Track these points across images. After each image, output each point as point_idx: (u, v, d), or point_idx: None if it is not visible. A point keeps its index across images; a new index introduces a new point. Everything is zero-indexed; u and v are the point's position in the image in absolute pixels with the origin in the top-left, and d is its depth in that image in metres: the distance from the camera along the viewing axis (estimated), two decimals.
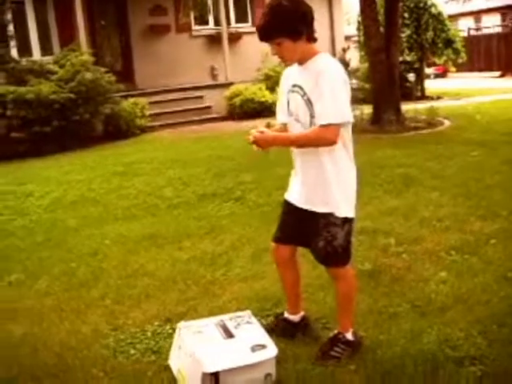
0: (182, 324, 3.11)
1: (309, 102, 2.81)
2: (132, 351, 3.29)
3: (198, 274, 4.33)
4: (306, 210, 2.99)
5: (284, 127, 3.08)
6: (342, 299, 3.11)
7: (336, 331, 3.11)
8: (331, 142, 2.77)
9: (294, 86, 2.90)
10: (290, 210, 3.12)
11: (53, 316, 3.85)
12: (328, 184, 2.88)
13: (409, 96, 14.94)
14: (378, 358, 2.99)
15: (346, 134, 2.88)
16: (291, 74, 2.97)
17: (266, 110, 13.55)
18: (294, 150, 3.01)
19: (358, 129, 10.54)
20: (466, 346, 3.05)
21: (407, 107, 11.84)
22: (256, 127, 2.99)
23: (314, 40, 2.85)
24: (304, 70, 2.86)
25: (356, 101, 13.13)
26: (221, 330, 3.02)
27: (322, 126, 2.73)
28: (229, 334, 2.98)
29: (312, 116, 2.81)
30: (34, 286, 4.40)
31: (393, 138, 9.75)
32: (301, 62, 2.87)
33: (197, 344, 2.89)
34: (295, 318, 3.32)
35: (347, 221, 2.94)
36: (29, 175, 8.81)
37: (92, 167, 9.07)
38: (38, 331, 3.64)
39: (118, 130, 12.22)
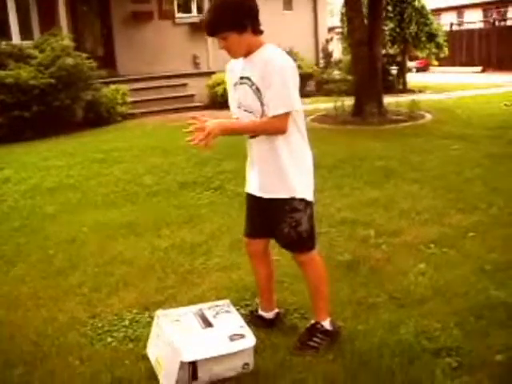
0: (160, 312, 3.09)
1: (257, 91, 2.81)
2: (109, 339, 3.26)
3: (176, 263, 4.30)
4: (267, 199, 2.98)
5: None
6: (313, 286, 3.10)
7: (313, 321, 3.11)
8: (282, 131, 2.81)
9: (242, 78, 2.89)
10: (252, 202, 3.12)
11: (29, 303, 3.80)
12: (285, 169, 2.89)
13: (391, 89, 15.02)
14: (356, 349, 3.00)
15: (299, 119, 2.90)
16: (236, 67, 2.96)
17: None
18: (250, 140, 2.99)
19: (339, 120, 10.69)
20: (442, 337, 3.07)
21: (389, 100, 11.89)
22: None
23: (260, 32, 2.85)
24: (249, 62, 2.86)
25: (338, 92, 13.22)
26: (199, 319, 3.01)
27: (273, 116, 2.75)
28: (207, 323, 2.96)
29: (262, 104, 2.81)
30: (10, 273, 4.35)
31: (374, 130, 9.79)
32: (247, 55, 2.87)
33: (175, 333, 2.87)
34: (269, 315, 3.31)
35: (308, 204, 2.96)
36: (6, 160, 8.68)
37: (71, 154, 8.96)
38: (13, 318, 3.59)
39: (99, 117, 12.09)
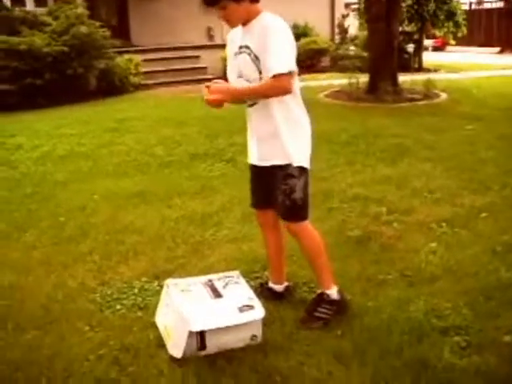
0: (169, 281, 3.10)
1: (256, 59, 2.80)
2: (118, 306, 3.28)
3: (187, 233, 4.30)
4: (265, 168, 2.98)
5: None
6: (311, 256, 3.08)
7: (319, 291, 3.11)
8: (286, 91, 2.76)
9: (241, 47, 2.88)
10: (253, 172, 3.13)
11: (40, 269, 3.82)
12: (280, 135, 2.88)
13: (406, 67, 14.81)
14: (364, 325, 3.00)
15: (295, 85, 2.87)
16: (236, 37, 2.95)
17: None
18: (248, 109, 2.99)
19: (353, 97, 10.59)
20: (452, 316, 3.06)
21: (404, 78, 11.74)
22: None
23: (257, 0, 2.84)
24: (248, 30, 2.85)
25: (353, 69, 13.08)
26: (209, 289, 3.01)
27: (274, 76, 2.70)
28: (217, 294, 2.97)
29: (260, 72, 2.80)
30: (21, 239, 4.37)
31: (388, 107, 9.68)
32: (245, 23, 2.86)
33: (184, 302, 2.88)
34: (279, 287, 3.31)
35: (304, 171, 2.94)
36: (19, 128, 8.68)
37: (84, 122, 8.95)
38: (24, 283, 3.62)
39: (112, 86, 12.05)
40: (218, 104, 2.85)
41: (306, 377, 2.62)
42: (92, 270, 3.78)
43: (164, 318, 2.97)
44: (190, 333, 2.71)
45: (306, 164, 2.95)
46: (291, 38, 2.80)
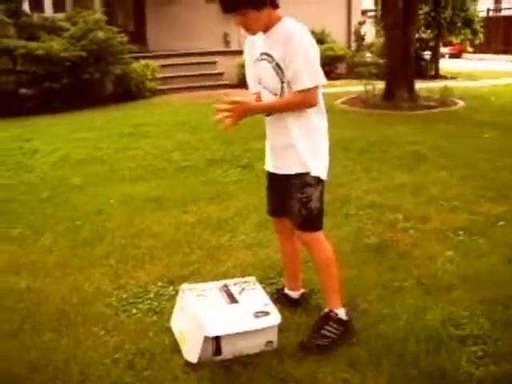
0: (185, 286, 3.10)
1: (278, 68, 2.74)
2: (134, 311, 3.28)
3: (202, 238, 4.31)
4: (281, 176, 2.94)
5: (258, 96, 2.99)
6: (323, 270, 3.01)
7: (326, 309, 3.00)
8: (312, 105, 2.76)
9: (262, 54, 2.81)
10: (270, 180, 3.09)
11: (56, 272, 3.84)
12: (297, 145, 2.83)
13: (423, 74, 14.77)
14: (380, 332, 2.98)
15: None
16: (256, 43, 2.88)
17: None
18: (266, 118, 2.95)
19: (369, 104, 10.57)
20: (469, 325, 3.03)
21: (421, 85, 11.70)
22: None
23: (277, 5, 2.77)
24: (270, 37, 2.77)
25: (369, 76, 13.06)
26: (225, 294, 3.01)
27: (301, 91, 2.68)
28: (232, 299, 2.96)
29: (282, 82, 2.75)
30: (38, 242, 4.40)
31: (405, 115, 9.66)
32: (265, 30, 2.78)
33: (200, 307, 2.88)
34: (295, 294, 3.29)
35: (320, 181, 2.89)
36: (36, 132, 8.76)
37: (100, 127, 9.01)
38: (41, 286, 3.64)
39: (128, 92, 12.13)
40: (235, 123, 2.80)
41: (321, 383, 2.61)
42: (108, 273, 3.79)
43: (179, 323, 2.97)
44: (206, 338, 2.71)
45: (324, 174, 2.90)
46: (315, 44, 2.74)
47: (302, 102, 2.74)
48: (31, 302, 3.41)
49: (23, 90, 10.52)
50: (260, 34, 2.82)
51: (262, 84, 2.89)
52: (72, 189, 5.78)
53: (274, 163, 3.00)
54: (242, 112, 2.77)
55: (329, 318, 2.96)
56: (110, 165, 6.67)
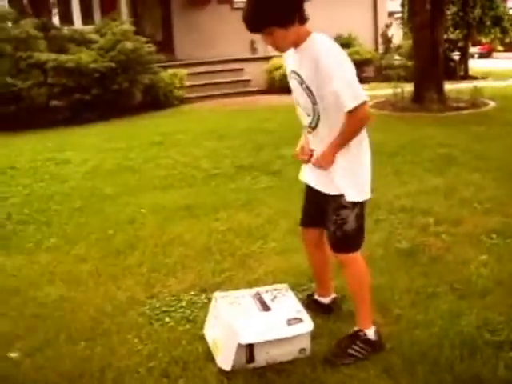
0: (218, 294, 3.11)
1: (308, 90, 2.67)
2: (167, 319, 3.30)
3: (234, 246, 4.32)
4: (321, 192, 2.89)
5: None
6: (356, 290, 2.95)
7: (356, 328, 2.94)
8: (366, 121, 2.71)
9: (293, 72, 2.75)
10: (308, 191, 3.05)
11: (89, 281, 3.89)
12: (335, 170, 2.78)
13: (452, 75, 14.60)
14: (414, 338, 2.95)
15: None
16: (289, 59, 2.81)
17: None
18: (308, 134, 2.90)
19: (398, 107, 10.49)
20: (506, 330, 2.98)
21: (450, 87, 11.58)
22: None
23: (306, 20, 2.66)
24: (299, 55, 2.69)
25: (397, 78, 12.97)
26: (257, 302, 3.00)
27: (349, 112, 2.59)
28: (265, 307, 2.96)
29: (314, 103, 2.68)
30: (71, 251, 4.46)
31: (435, 117, 9.57)
32: (295, 46, 2.69)
33: (233, 315, 2.88)
34: (325, 300, 3.27)
35: (357, 204, 2.82)
36: (68, 143, 8.90)
37: (130, 136, 9.11)
38: (74, 295, 3.69)
39: (157, 101, 12.26)
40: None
41: None
42: (140, 282, 3.82)
43: (213, 331, 2.98)
44: (239, 345, 2.72)
45: (360, 198, 2.82)
46: (347, 59, 2.64)
47: (353, 124, 2.66)
48: (65, 312, 3.46)
49: (54, 102, 10.71)
50: (291, 50, 2.75)
51: (296, 102, 2.84)
52: (104, 198, 5.86)
53: (310, 176, 2.96)
54: (327, 160, 2.77)
55: (357, 337, 2.89)
56: (141, 174, 6.74)
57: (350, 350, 2.85)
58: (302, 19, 2.65)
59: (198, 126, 9.75)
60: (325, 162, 2.78)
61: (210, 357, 2.87)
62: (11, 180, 6.80)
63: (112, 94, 11.20)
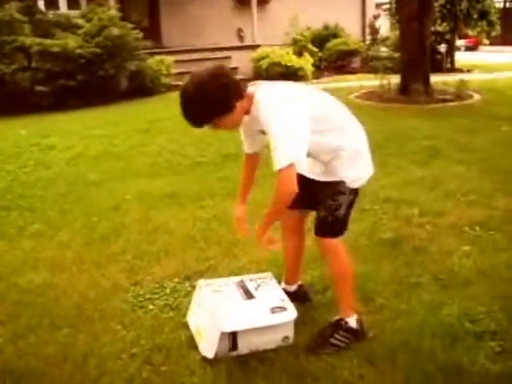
0: (202, 282, 3.11)
1: None
2: (150, 306, 3.30)
3: (218, 234, 4.32)
4: (315, 180, 2.88)
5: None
6: (338, 278, 2.93)
7: (337, 317, 2.95)
8: (290, 188, 2.52)
9: (260, 131, 2.70)
10: (299, 180, 2.91)
11: (73, 268, 3.87)
12: (333, 168, 2.79)
13: (438, 67, 14.66)
14: (396, 327, 2.98)
15: (332, 121, 2.75)
16: (246, 125, 2.77)
17: (292, 75, 13.36)
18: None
19: (385, 98, 10.52)
20: (486, 320, 3.01)
21: (436, 79, 11.62)
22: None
23: (244, 92, 2.60)
24: (252, 118, 2.65)
25: (384, 70, 12.99)
26: (241, 290, 3.01)
27: (278, 172, 2.51)
28: (249, 295, 2.97)
29: None
30: (55, 238, 4.43)
31: (420, 109, 9.60)
32: (247, 113, 2.65)
33: (217, 303, 2.89)
34: (291, 288, 3.25)
35: (353, 191, 2.83)
36: (52, 128, 8.82)
37: (115, 123, 9.05)
38: (58, 281, 3.67)
39: (143, 87, 12.16)
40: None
41: (338, 379, 2.61)
42: (124, 269, 3.81)
43: (196, 319, 2.98)
44: (222, 333, 2.72)
45: (359, 184, 2.84)
46: (296, 108, 2.56)
47: (281, 189, 2.55)
48: (49, 298, 3.45)
49: (39, 88, 10.59)
50: (246, 117, 2.68)
51: None
52: (88, 185, 5.82)
53: (307, 170, 2.89)
54: (266, 228, 2.76)
55: (339, 326, 2.90)
56: (126, 161, 6.71)
57: (331, 340, 2.86)
58: (241, 95, 2.59)
59: None
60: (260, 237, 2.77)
61: (193, 344, 2.88)
62: None
63: (98, 80, 11.08)
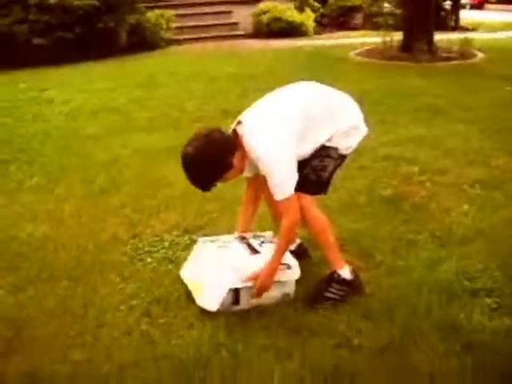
0: (205, 238, 3.11)
1: None
2: (149, 259, 3.32)
3: (218, 189, 4.22)
4: None
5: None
6: (320, 236, 2.93)
7: (328, 271, 2.95)
8: (295, 219, 2.72)
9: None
10: None
11: (72, 221, 3.88)
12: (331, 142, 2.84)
13: (442, 25, 14.42)
14: (393, 284, 2.99)
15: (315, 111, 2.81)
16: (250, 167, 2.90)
17: (293, 31, 13.18)
18: None
19: (386, 55, 10.37)
20: (483, 278, 3.02)
21: (440, 37, 11.43)
22: None
23: (237, 144, 2.77)
24: (252, 162, 2.79)
25: (386, 26, 12.78)
26: (245, 245, 2.98)
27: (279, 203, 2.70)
28: (254, 251, 2.94)
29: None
30: (54, 191, 4.43)
31: (423, 67, 9.48)
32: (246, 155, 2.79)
33: (222, 258, 2.89)
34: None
35: (341, 156, 2.87)
36: (51, 82, 8.73)
37: (114, 77, 8.96)
38: (57, 234, 3.68)
39: (143, 42, 12.01)
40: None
41: (335, 332, 2.62)
42: (123, 222, 3.82)
43: (194, 272, 2.98)
44: (229, 288, 2.73)
45: (348, 151, 2.90)
46: (281, 142, 2.67)
47: (285, 224, 2.71)
48: (48, 250, 3.46)
49: (36, 40, 10.43)
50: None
51: None
52: (87, 139, 5.79)
53: None
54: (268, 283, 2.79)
55: (332, 279, 2.91)
56: (125, 115, 6.65)
57: (326, 293, 2.88)
58: (234, 149, 2.75)
59: (185, 68, 9.58)
60: (264, 288, 2.79)
61: (191, 297, 2.89)
62: None
63: (97, 33, 10.92)
